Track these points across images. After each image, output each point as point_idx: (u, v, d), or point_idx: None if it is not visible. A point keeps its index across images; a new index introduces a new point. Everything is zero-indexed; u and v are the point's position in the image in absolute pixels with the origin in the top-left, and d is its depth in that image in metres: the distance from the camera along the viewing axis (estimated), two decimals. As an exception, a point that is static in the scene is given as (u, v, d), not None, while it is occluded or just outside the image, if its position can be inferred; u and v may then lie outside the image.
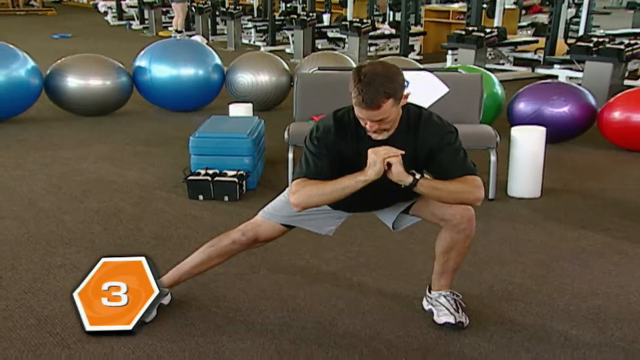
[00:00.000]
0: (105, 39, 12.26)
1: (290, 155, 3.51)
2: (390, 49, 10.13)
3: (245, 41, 11.48)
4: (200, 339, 2.16)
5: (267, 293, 2.48)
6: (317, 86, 3.85)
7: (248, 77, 5.72)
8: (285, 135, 3.59)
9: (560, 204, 3.52)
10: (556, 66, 7.20)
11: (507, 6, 9.89)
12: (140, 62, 5.72)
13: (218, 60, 5.89)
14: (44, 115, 5.57)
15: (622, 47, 6.01)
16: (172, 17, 13.18)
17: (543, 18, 11.38)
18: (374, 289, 2.52)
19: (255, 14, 12.86)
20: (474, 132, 3.51)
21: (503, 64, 8.43)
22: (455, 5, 11.10)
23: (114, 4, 15.74)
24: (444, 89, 3.66)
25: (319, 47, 10.03)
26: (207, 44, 8.19)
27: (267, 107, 5.73)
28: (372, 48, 9.69)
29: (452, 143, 1.97)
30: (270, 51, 7.73)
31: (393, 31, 9.96)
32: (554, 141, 4.12)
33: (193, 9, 12.03)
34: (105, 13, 16.02)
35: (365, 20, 9.16)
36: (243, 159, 3.62)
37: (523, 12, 11.94)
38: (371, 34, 9.29)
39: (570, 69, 6.91)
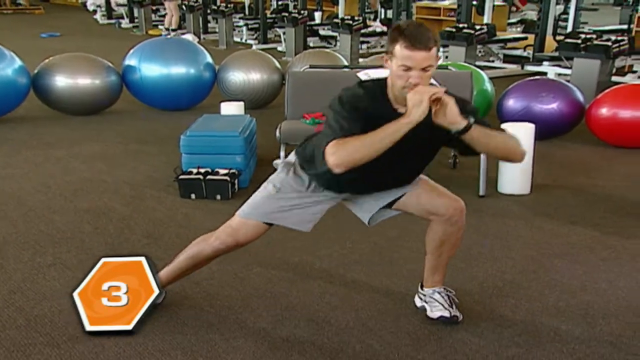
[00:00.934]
0: (94, 38, 12.18)
1: (282, 154, 3.51)
2: (382, 46, 10.14)
3: (236, 39, 11.43)
4: (193, 337, 2.16)
5: (260, 291, 2.49)
6: (309, 84, 3.85)
7: (239, 76, 5.71)
8: (277, 134, 3.59)
9: (550, 200, 3.55)
10: (545, 63, 7.24)
11: (496, 3, 9.93)
12: (130, 61, 5.69)
13: (209, 59, 5.88)
14: (33, 114, 5.54)
15: (609, 43, 6.05)
16: (162, 16, 13.12)
17: (532, 15, 11.42)
18: (366, 286, 2.53)
19: (247, 12, 12.82)
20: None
21: (493, 61, 8.47)
22: (446, 2, 11.13)
23: (103, 2, 15.59)
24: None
25: (311, 45, 10.01)
26: (198, 42, 8.16)
27: (258, 106, 5.73)
28: (364, 46, 9.68)
29: (475, 113, 1.91)
30: (262, 49, 7.69)
31: (385, 29, 9.97)
32: (543, 138, 4.14)
33: (184, 7, 11.97)
34: (94, 12, 15.88)
35: (356, 18, 9.15)
36: (235, 158, 3.62)
37: (513, 9, 11.99)
38: (363, 31, 9.29)
39: (559, 65, 6.95)
